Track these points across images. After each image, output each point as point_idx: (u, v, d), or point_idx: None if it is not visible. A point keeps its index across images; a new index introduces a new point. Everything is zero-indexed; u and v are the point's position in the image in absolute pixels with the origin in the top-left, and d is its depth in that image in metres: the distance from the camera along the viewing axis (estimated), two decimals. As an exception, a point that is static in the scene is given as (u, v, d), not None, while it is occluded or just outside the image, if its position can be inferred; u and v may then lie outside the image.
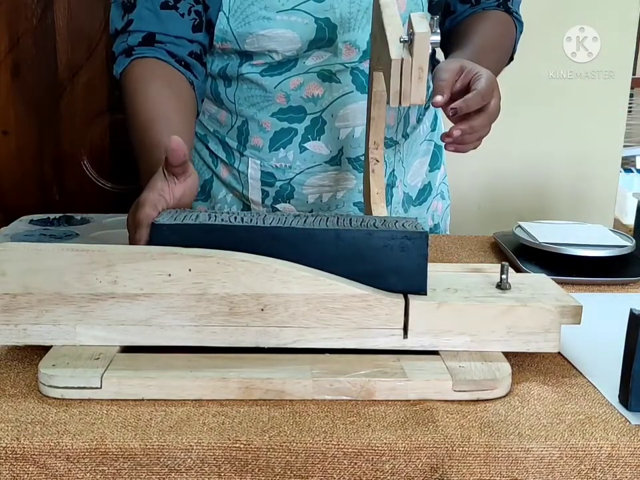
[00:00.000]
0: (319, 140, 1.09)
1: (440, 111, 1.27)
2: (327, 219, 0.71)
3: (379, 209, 0.95)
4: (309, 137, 1.08)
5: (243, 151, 1.12)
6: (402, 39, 0.76)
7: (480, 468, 0.56)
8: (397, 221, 0.70)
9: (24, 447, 0.55)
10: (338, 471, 0.56)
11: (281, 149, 1.09)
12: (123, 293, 0.65)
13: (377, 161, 0.97)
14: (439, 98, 0.84)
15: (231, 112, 1.11)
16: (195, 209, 0.93)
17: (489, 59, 1.03)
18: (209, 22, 1.04)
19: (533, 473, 0.57)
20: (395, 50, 0.75)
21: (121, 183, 1.93)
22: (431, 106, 1.11)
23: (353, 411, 0.61)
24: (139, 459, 0.56)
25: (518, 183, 2.01)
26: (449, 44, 1.08)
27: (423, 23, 0.74)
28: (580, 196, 2.04)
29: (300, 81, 1.06)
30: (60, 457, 0.55)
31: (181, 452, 0.56)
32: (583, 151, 2.01)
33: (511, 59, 1.17)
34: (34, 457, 0.55)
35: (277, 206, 1.12)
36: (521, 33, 1.16)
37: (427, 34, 0.73)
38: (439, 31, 0.79)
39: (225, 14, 1.02)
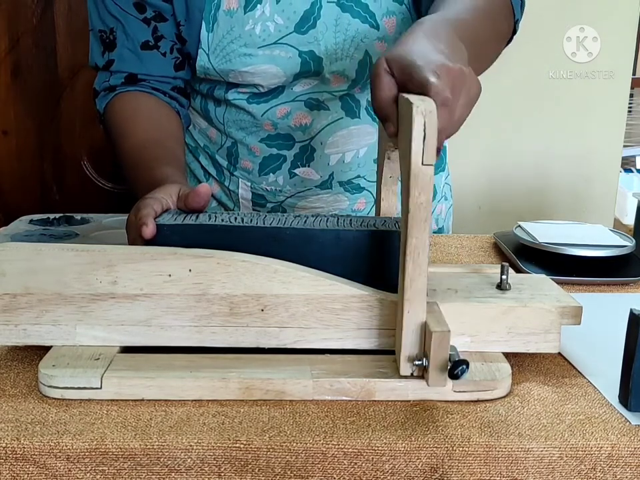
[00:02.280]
0: (309, 166, 1.06)
1: None
2: (327, 219, 0.71)
3: (390, 195, 0.83)
4: (299, 163, 1.06)
5: (233, 171, 1.10)
6: (416, 363, 0.61)
7: (480, 468, 0.56)
8: (397, 222, 0.70)
9: (24, 447, 0.55)
10: (338, 471, 0.56)
11: (271, 174, 1.07)
12: (123, 293, 0.65)
13: (395, 148, 0.86)
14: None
15: (221, 132, 1.09)
16: None
17: (469, 32, 0.81)
18: (187, 54, 1.02)
19: (532, 473, 0.57)
20: (404, 367, 0.62)
21: (120, 182, 1.93)
22: None
23: (353, 411, 0.61)
24: (139, 459, 0.56)
25: (518, 183, 2.01)
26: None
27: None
28: (580, 196, 2.04)
29: (287, 109, 1.03)
30: (60, 457, 0.55)
31: (181, 452, 0.56)
32: (583, 151, 2.01)
33: (514, 32, 0.98)
34: (34, 456, 0.55)
35: None
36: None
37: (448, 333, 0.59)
38: None
39: (204, 51, 0.99)
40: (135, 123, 0.99)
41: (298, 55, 0.98)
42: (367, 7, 0.98)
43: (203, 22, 0.98)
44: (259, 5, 0.96)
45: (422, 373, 0.61)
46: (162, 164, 0.89)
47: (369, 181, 1.09)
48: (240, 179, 1.10)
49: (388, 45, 1.00)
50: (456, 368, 0.58)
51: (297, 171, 1.06)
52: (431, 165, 0.57)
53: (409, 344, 0.61)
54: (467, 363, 0.58)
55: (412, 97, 0.60)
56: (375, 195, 1.10)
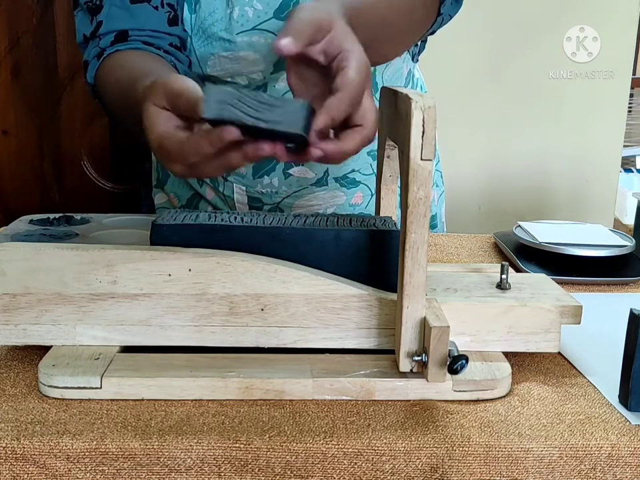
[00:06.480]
0: (303, 165, 1.04)
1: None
2: (327, 218, 0.71)
3: (390, 194, 0.84)
4: (292, 163, 1.04)
5: (226, 177, 1.08)
6: (415, 358, 0.62)
7: (480, 468, 0.56)
8: (397, 221, 0.70)
9: (24, 447, 0.55)
10: (338, 471, 0.56)
11: (265, 176, 1.05)
12: (123, 293, 0.65)
13: (394, 146, 0.85)
14: (285, 42, 0.60)
15: None
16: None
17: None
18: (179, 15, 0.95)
19: (532, 473, 0.57)
20: (404, 363, 0.63)
21: (120, 182, 1.93)
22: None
23: (353, 411, 0.61)
24: (138, 459, 0.56)
25: (518, 183, 2.01)
26: None
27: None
28: (580, 196, 2.04)
29: None
30: (60, 457, 0.55)
31: (181, 452, 0.56)
32: (583, 150, 2.01)
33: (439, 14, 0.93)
34: (34, 456, 0.55)
35: None
36: None
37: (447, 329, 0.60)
38: None
39: (188, 34, 0.96)
40: (123, 74, 0.86)
41: None
42: None
43: (185, 3, 0.95)
44: None
45: (421, 369, 0.61)
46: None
47: (364, 174, 1.08)
48: (234, 184, 1.08)
49: None
50: (455, 363, 0.58)
51: (291, 170, 1.05)
52: (430, 160, 0.58)
53: (408, 340, 0.61)
54: (466, 358, 0.58)
55: (410, 93, 0.60)
56: (371, 189, 1.09)
